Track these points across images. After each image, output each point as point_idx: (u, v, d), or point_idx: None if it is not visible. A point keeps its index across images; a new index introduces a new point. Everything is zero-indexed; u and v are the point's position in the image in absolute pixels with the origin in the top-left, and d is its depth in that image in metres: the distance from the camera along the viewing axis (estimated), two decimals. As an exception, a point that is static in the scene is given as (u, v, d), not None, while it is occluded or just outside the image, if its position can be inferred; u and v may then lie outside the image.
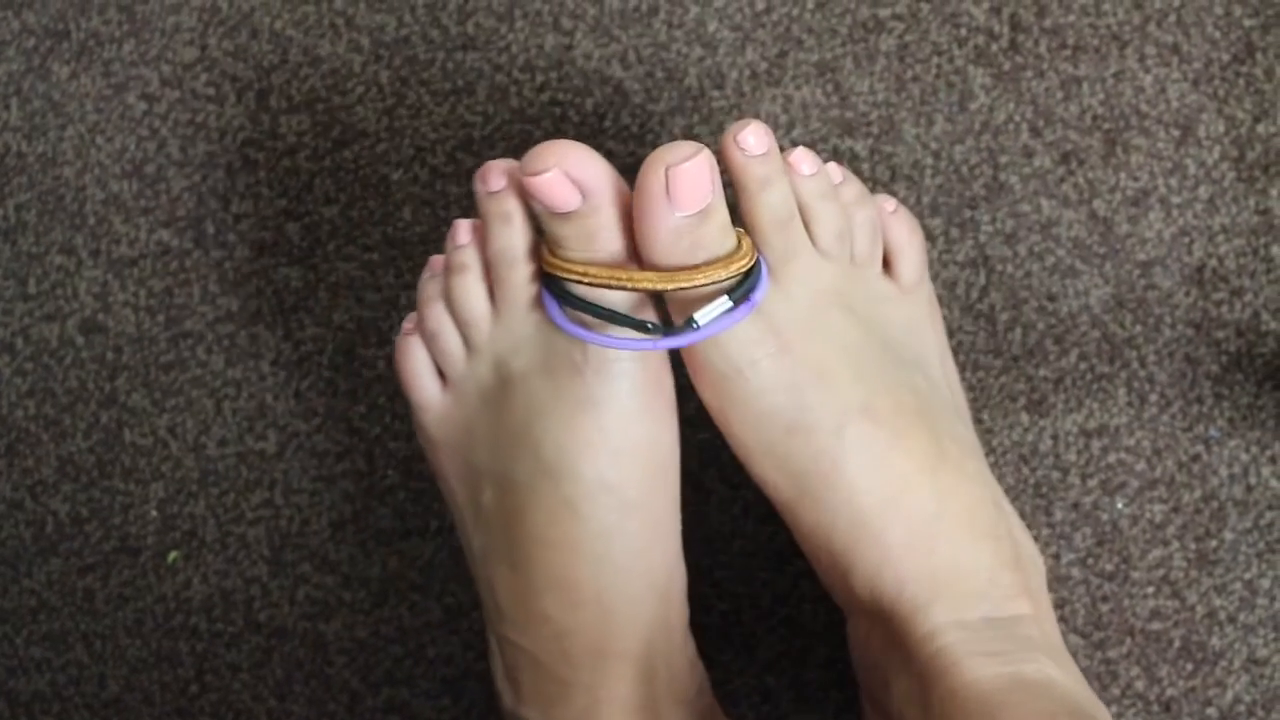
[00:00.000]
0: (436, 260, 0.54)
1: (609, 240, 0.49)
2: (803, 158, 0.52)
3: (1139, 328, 0.61)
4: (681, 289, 0.48)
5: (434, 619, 0.62)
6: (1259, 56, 0.62)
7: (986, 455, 0.61)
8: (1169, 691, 0.61)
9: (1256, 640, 0.61)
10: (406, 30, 0.63)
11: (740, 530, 0.62)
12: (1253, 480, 0.61)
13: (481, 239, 0.52)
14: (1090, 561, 0.61)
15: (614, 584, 0.52)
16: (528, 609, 0.52)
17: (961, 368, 0.62)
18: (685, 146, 0.47)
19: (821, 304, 0.52)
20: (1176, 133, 0.62)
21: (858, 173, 0.62)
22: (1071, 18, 0.62)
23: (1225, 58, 0.62)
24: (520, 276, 0.51)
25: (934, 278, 0.62)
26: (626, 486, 0.52)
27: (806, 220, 0.52)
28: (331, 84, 0.63)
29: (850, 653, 0.55)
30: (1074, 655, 0.60)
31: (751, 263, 0.49)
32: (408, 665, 0.62)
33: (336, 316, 0.63)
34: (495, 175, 0.51)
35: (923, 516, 0.51)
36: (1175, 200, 0.62)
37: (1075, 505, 0.61)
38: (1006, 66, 0.62)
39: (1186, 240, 0.62)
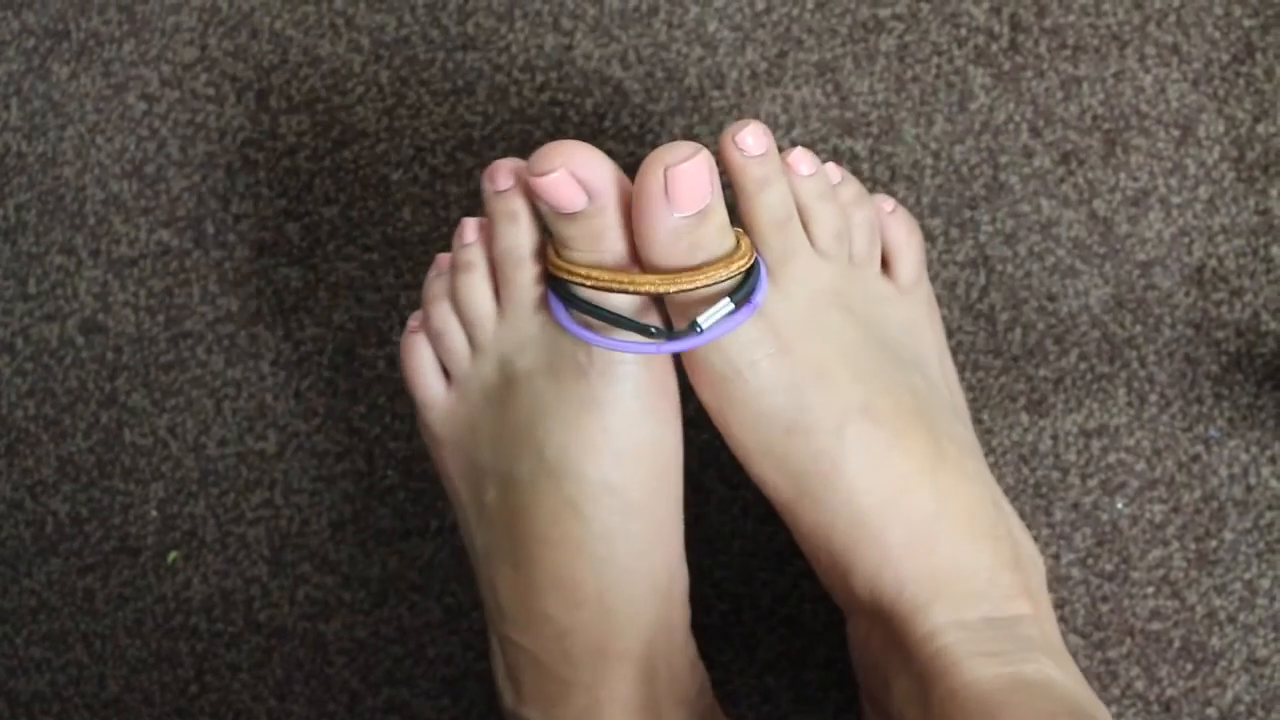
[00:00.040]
0: (443, 258, 0.54)
1: (615, 241, 0.49)
2: (801, 158, 0.52)
3: (1139, 328, 0.61)
4: (683, 290, 0.48)
5: (434, 619, 0.62)
6: (1259, 56, 0.62)
7: (986, 455, 0.61)
8: (1169, 691, 0.61)
9: (1256, 640, 0.61)
10: (406, 30, 0.63)
11: (740, 530, 0.62)
12: (1253, 480, 0.61)
13: (488, 238, 0.52)
14: (1090, 561, 0.61)
15: (616, 584, 0.52)
16: (529, 608, 0.52)
17: (961, 368, 0.62)
18: (684, 147, 0.47)
19: (820, 304, 0.52)
20: (1176, 133, 0.62)
21: (857, 173, 0.62)
22: (1071, 18, 0.62)
23: (1225, 58, 0.62)
24: (526, 277, 0.51)
25: (934, 278, 0.62)
26: (630, 488, 0.52)
27: (805, 220, 0.52)
28: (331, 84, 0.63)
29: (850, 653, 0.55)
30: (1074, 655, 0.60)
31: (750, 263, 0.49)
32: (408, 665, 0.62)
33: (336, 316, 0.63)
34: (503, 175, 0.51)
35: (922, 516, 0.51)
36: (1175, 200, 0.62)
37: (1075, 505, 0.61)
38: (1006, 66, 0.62)
39: (1186, 240, 0.62)
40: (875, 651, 0.52)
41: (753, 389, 0.51)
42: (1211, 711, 0.61)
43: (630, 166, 0.49)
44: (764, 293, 0.50)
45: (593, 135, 0.63)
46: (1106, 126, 0.62)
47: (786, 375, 0.51)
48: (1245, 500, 0.61)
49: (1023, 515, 0.61)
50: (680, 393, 0.54)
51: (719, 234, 0.49)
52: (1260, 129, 0.62)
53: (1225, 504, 0.61)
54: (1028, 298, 0.62)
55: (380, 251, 0.63)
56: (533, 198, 0.50)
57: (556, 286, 0.50)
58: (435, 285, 0.54)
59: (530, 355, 0.52)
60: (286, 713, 0.63)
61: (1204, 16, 0.62)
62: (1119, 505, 0.61)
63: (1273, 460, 0.61)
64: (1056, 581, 0.61)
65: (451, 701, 0.62)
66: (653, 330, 0.49)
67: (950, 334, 0.62)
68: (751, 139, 0.49)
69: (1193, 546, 0.61)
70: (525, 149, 0.62)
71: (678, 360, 0.53)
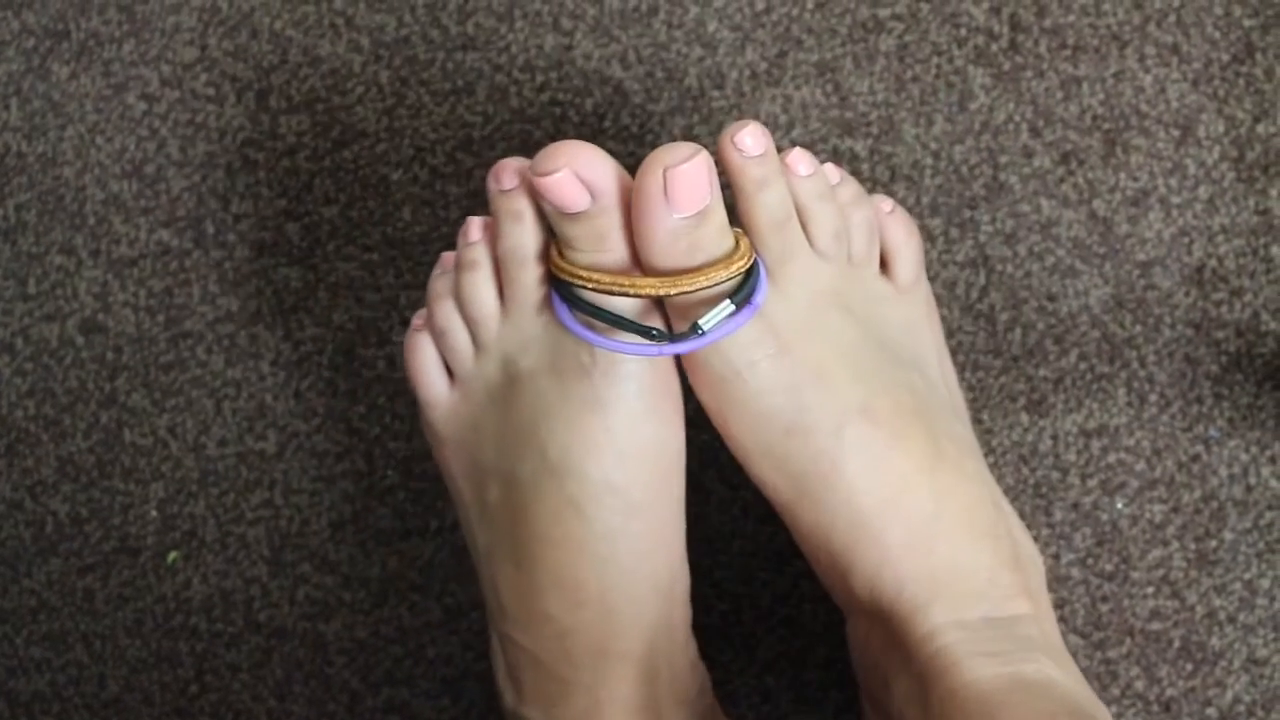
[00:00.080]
0: (447, 257, 0.54)
1: (618, 242, 0.49)
2: (800, 158, 0.52)
3: (1139, 328, 0.61)
4: (684, 293, 0.48)
5: (434, 619, 0.62)
6: (1259, 56, 0.62)
7: (986, 455, 0.61)
8: (1169, 691, 0.61)
9: (1256, 640, 0.61)
10: (406, 30, 0.63)
11: (740, 530, 0.62)
12: (1253, 480, 0.61)
13: (493, 237, 0.52)
14: (1090, 561, 0.61)
15: (617, 585, 0.52)
16: (530, 608, 0.52)
17: (961, 368, 0.62)
18: (683, 148, 0.47)
19: (819, 304, 0.52)
20: (1176, 133, 0.62)
21: (857, 173, 0.62)
22: (1071, 18, 0.62)
23: (1225, 58, 0.62)
24: (530, 277, 0.51)
25: (934, 278, 0.62)
26: (632, 488, 0.52)
27: (804, 221, 0.52)
28: (331, 84, 0.63)
29: (850, 653, 0.55)
30: (1074, 655, 0.60)
31: (750, 263, 0.49)
32: (408, 665, 0.62)
33: (336, 316, 0.63)
34: (508, 174, 0.51)
35: (921, 516, 0.51)
36: (1175, 200, 0.62)
37: (1075, 505, 0.61)
38: (1006, 66, 0.62)
39: (1186, 240, 0.62)
40: (875, 651, 0.52)
41: (752, 390, 0.51)
42: (1211, 711, 0.61)
43: (630, 166, 0.49)
44: (764, 293, 0.50)
45: (593, 135, 0.63)
46: (1106, 126, 0.62)
47: (786, 376, 0.51)
48: (1245, 500, 0.61)
49: (1023, 515, 0.61)
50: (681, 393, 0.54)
51: (718, 235, 0.49)
52: (1260, 129, 0.62)
53: (1225, 504, 0.61)
54: (1028, 298, 0.62)
55: (380, 251, 0.63)
56: (537, 197, 0.50)
57: (559, 287, 0.50)
58: (439, 283, 0.54)
59: (533, 355, 0.52)
60: (286, 713, 0.63)
61: (1204, 16, 0.62)
62: (1119, 505, 0.61)
63: (1273, 460, 0.61)
64: (1056, 581, 0.61)
65: (451, 701, 0.62)
66: (654, 332, 0.49)
67: (950, 334, 0.62)
68: (750, 139, 0.49)
69: (1193, 546, 0.61)
70: (525, 149, 0.62)
71: (677, 360, 0.53)
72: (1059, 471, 0.61)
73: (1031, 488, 0.61)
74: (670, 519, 0.53)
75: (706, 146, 0.57)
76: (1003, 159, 0.62)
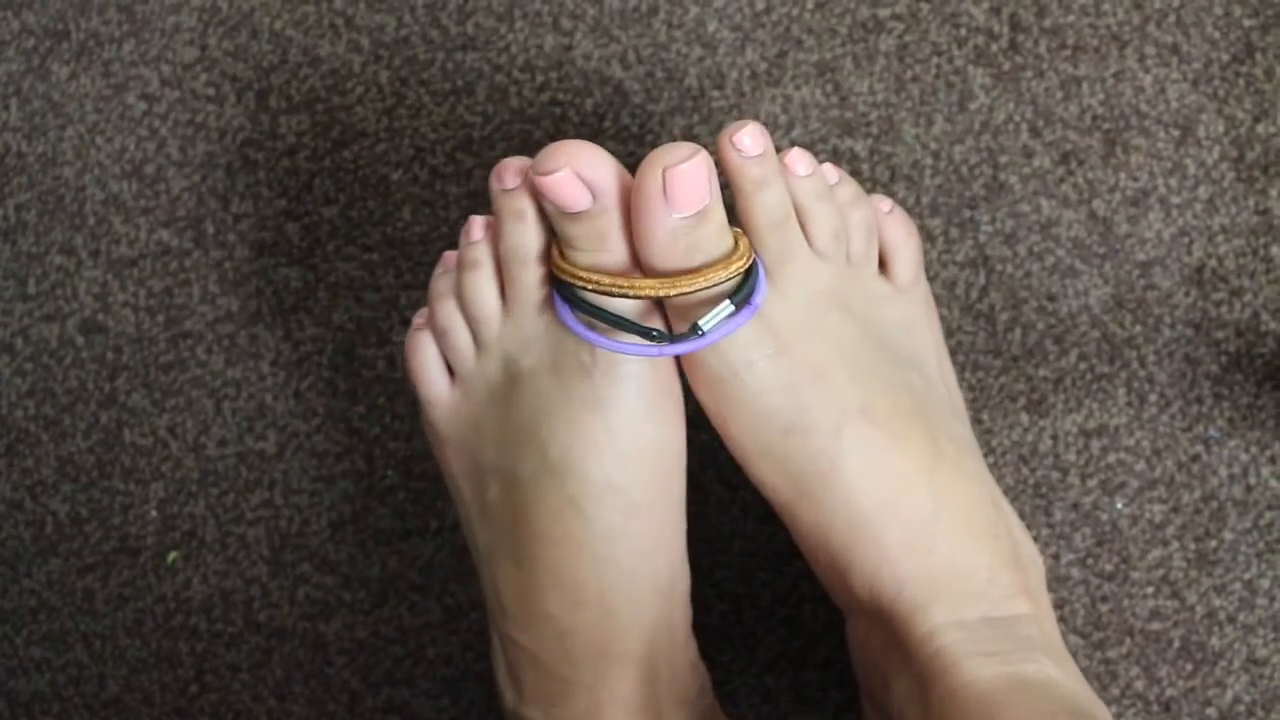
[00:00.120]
0: (449, 256, 0.54)
1: (618, 242, 0.49)
2: (798, 158, 0.52)
3: (1139, 328, 0.61)
4: (683, 294, 0.48)
5: (434, 619, 0.62)
6: (1259, 56, 0.62)
7: (986, 455, 0.61)
8: (1169, 691, 0.61)
9: (1256, 640, 0.61)
10: (406, 30, 0.63)
11: (740, 530, 0.62)
12: (1252, 480, 0.61)
13: (495, 236, 0.52)
14: (1090, 561, 0.61)
15: (617, 584, 0.52)
16: (531, 607, 0.52)
17: (961, 368, 0.62)
18: (682, 148, 0.47)
19: (818, 304, 0.52)
20: (1176, 133, 0.62)
21: (857, 173, 0.62)
22: (1071, 18, 0.62)
23: (1225, 58, 0.62)
24: (531, 276, 0.51)
25: (934, 278, 0.62)
26: (632, 488, 0.52)
27: (802, 221, 0.52)
28: (331, 84, 0.63)
29: (850, 653, 0.55)
30: (1074, 655, 0.60)
31: (749, 263, 0.49)
32: (408, 665, 0.62)
33: (336, 316, 0.63)
34: (510, 173, 0.51)
35: (921, 516, 0.51)
36: (1175, 200, 0.62)
37: (1075, 505, 0.61)
38: (1006, 66, 0.62)
39: (1186, 240, 0.62)
40: (875, 651, 0.52)
41: (751, 390, 0.51)
42: (1211, 711, 0.61)
43: (630, 166, 0.49)
44: (763, 294, 0.50)
45: (593, 135, 0.63)
46: (1106, 126, 0.62)
47: (784, 376, 0.51)
48: (1245, 500, 0.61)
49: (1023, 515, 0.61)
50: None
51: (717, 235, 0.49)
52: (1260, 129, 0.62)
53: (1225, 504, 0.61)
54: (1028, 298, 0.62)
55: (380, 251, 0.63)
56: (538, 197, 0.50)
57: (560, 288, 0.50)
58: (441, 283, 0.54)
59: (535, 354, 0.52)
60: (286, 713, 0.63)
61: (1204, 16, 0.62)
62: (1119, 505, 0.61)
63: (1273, 460, 0.61)
64: (1056, 581, 0.61)
65: (451, 701, 0.62)
66: (654, 333, 0.49)
67: (950, 334, 0.62)
68: (749, 139, 0.49)
69: (1193, 546, 0.61)
70: (525, 149, 0.62)
71: (677, 360, 0.53)
72: (1059, 471, 0.61)
73: (1031, 488, 0.61)
74: (671, 519, 0.53)
75: (706, 146, 0.57)
76: (1003, 159, 0.62)
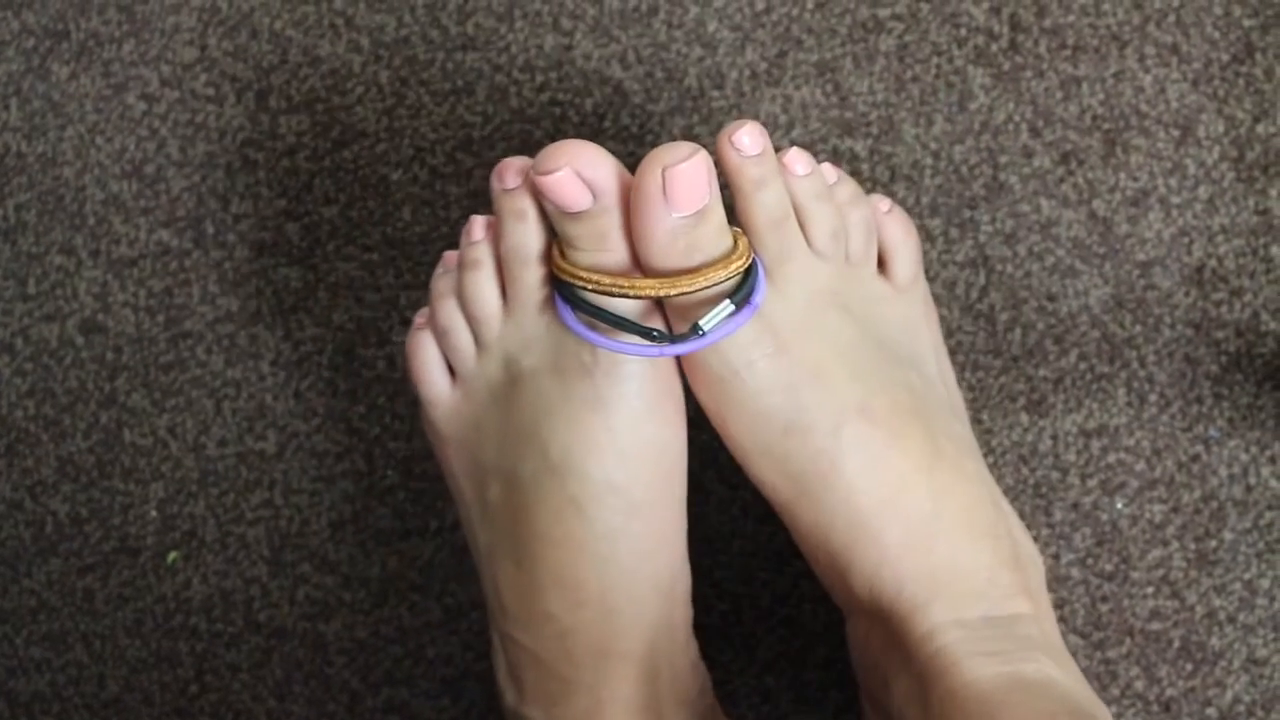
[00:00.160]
0: (450, 256, 0.54)
1: (619, 242, 0.49)
2: (797, 158, 0.52)
3: (1139, 328, 0.61)
4: (683, 294, 0.48)
5: (434, 619, 0.62)
6: (1259, 56, 0.62)
7: (986, 455, 0.61)
8: (1169, 691, 0.61)
9: (1256, 640, 0.61)
10: (406, 30, 0.63)
11: (740, 530, 0.62)
12: (1252, 480, 0.61)
13: (496, 236, 0.52)
14: (1090, 561, 0.61)
15: (618, 584, 0.52)
16: (531, 607, 0.52)
17: (961, 368, 0.62)
18: (682, 147, 0.47)
19: (817, 304, 0.52)
20: (1176, 133, 0.62)
21: (857, 173, 0.62)
22: (1071, 18, 0.62)
23: (1225, 58, 0.62)
24: (532, 276, 0.51)
25: (934, 278, 0.62)
26: (633, 488, 0.52)
27: (801, 220, 0.52)
28: (331, 84, 0.63)
29: (850, 653, 0.55)
30: (1074, 655, 0.60)
31: (748, 262, 0.49)
32: (408, 665, 0.62)
33: (336, 316, 0.63)
34: (511, 173, 0.51)
35: (920, 516, 0.51)
36: (1175, 200, 0.62)
37: (1075, 505, 0.61)
38: (1006, 66, 0.62)
39: (1186, 240, 0.62)
40: (875, 651, 0.52)
41: (750, 389, 0.51)
42: (1211, 711, 0.61)
43: (630, 166, 0.49)
44: (763, 293, 0.50)
45: (593, 135, 0.63)
46: (1106, 126, 0.62)
47: (784, 375, 0.51)
48: (1245, 500, 0.61)
49: (1023, 515, 0.61)
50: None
51: (717, 234, 0.49)
52: (1260, 129, 0.62)
53: (1225, 504, 0.61)
54: (1028, 298, 0.62)
55: (380, 251, 0.63)
56: (539, 196, 0.50)
57: (561, 288, 0.50)
58: (442, 282, 0.54)
59: (536, 354, 0.52)
60: (286, 713, 0.63)
61: (1204, 16, 0.62)
62: (1119, 505, 0.61)
63: (1273, 460, 0.61)
64: (1056, 581, 0.61)
65: (451, 701, 0.62)
66: (655, 334, 0.49)
67: (950, 334, 0.62)
68: (748, 139, 0.49)
69: (1192, 546, 0.61)
70: (525, 149, 0.62)
71: (677, 360, 0.53)
72: (1059, 471, 0.61)
73: (1031, 488, 0.61)
74: (672, 519, 0.53)
75: (706, 146, 0.57)
76: (1003, 159, 0.62)
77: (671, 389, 0.52)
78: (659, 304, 0.51)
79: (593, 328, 0.50)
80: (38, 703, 0.63)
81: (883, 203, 0.56)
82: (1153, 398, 0.61)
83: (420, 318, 0.55)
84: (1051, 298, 0.62)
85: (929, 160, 0.62)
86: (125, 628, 0.63)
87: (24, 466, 0.63)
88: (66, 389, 0.63)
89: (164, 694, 0.63)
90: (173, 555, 0.63)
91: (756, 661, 0.62)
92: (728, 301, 0.49)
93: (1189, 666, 0.61)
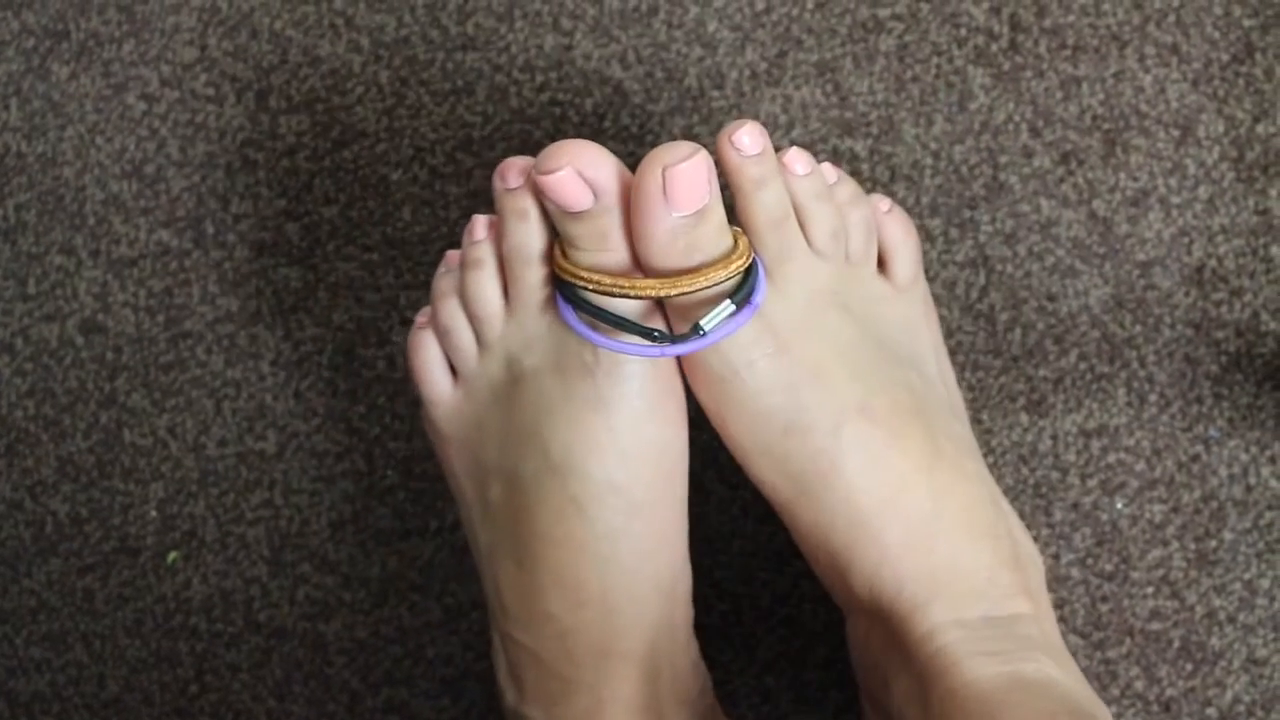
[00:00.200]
0: (452, 255, 0.54)
1: (620, 241, 0.49)
2: (797, 158, 0.52)
3: (1139, 328, 0.61)
4: (684, 294, 0.48)
5: (434, 619, 0.62)
6: (1259, 56, 0.62)
7: (986, 455, 0.61)
8: (1169, 691, 0.61)
9: (1256, 640, 0.61)
10: (406, 30, 0.63)
11: (740, 530, 0.62)
12: (1252, 480, 0.61)
13: (498, 236, 0.52)
14: (1090, 561, 0.61)
15: (619, 584, 0.52)
16: (532, 607, 0.52)
17: (961, 368, 0.62)
18: (682, 147, 0.47)
19: (817, 304, 0.52)
20: (1176, 133, 0.62)
21: (857, 173, 0.62)
22: (1071, 18, 0.62)
23: (1225, 58, 0.62)
24: (534, 275, 0.51)
25: (933, 278, 0.62)
26: (634, 488, 0.52)
27: (801, 220, 0.52)
28: (331, 84, 0.63)
29: (850, 653, 0.55)
30: (1074, 655, 0.60)
31: (748, 262, 0.49)
32: (408, 665, 0.62)
33: (336, 316, 0.63)
34: (513, 173, 0.51)
35: (920, 515, 0.51)
36: (1175, 200, 0.62)
37: (1075, 505, 0.61)
38: (1006, 66, 0.62)
39: (1186, 240, 0.62)
40: (875, 651, 0.52)
41: (750, 389, 0.51)
42: (1211, 711, 0.61)
43: (630, 166, 0.49)
44: (764, 293, 0.50)
45: (593, 135, 0.63)
46: (1106, 126, 0.62)
47: (784, 375, 0.51)
48: (1245, 500, 0.61)
49: (1023, 515, 0.61)
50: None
51: (717, 234, 0.49)
52: (1260, 129, 0.62)
53: (1225, 504, 0.61)
54: (1028, 298, 0.62)
55: (380, 251, 0.63)
56: (540, 196, 0.50)
57: (562, 288, 0.50)
58: (444, 282, 0.54)
59: (537, 353, 0.52)
60: (286, 713, 0.63)
61: (1204, 16, 0.62)
62: (1119, 505, 0.61)
63: (1273, 460, 0.61)
64: (1056, 581, 0.61)
65: (451, 701, 0.62)
66: (656, 334, 0.49)
67: (950, 334, 0.62)
68: (748, 138, 0.49)
69: (1192, 546, 0.61)
70: (525, 149, 0.62)
71: (677, 360, 0.53)
72: (1059, 471, 0.61)
73: (1031, 488, 0.61)
74: (673, 519, 0.53)
75: (706, 146, 0.57)
76: (1003, 159, 0.62)
77: (673, 389, 0.52)
78: (660, 304, 0.51)
79: (594, 328, 0.50)
80: (38, 703, 0.63)
81: (883, 202, 0.56)
82: (1153, 398, 0.61)
83: (422, 317, 0.55)
84: (1051, 298, 0.62)
85: (929, 160, 0.62)
86: (125, 628, 0.63)
87: (24, 466, 0.63)
88: (66, 389, 0.63)
89: (164, 694, 0.63)
90: (173, 555, 0.63)
91: (756, 661, 0.62)
92: (728, 301, 0.49)
93: (1189, 666, 0.61)
